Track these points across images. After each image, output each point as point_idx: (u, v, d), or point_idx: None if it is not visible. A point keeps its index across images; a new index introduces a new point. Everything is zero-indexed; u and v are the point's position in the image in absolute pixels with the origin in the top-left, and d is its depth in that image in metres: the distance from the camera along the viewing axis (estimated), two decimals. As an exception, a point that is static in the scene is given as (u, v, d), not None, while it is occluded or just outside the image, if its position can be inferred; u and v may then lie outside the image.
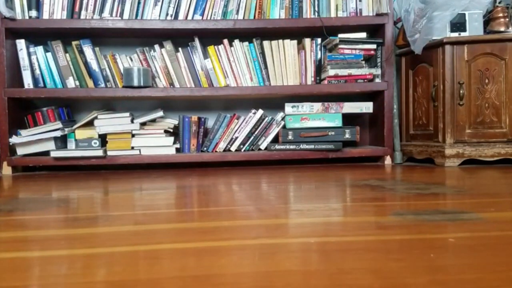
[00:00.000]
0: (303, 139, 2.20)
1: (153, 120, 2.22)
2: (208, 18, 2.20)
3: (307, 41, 2.30)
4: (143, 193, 1.41)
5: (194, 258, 0.69)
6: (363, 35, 2.26)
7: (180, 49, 2.26)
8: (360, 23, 2.21)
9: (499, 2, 2.17)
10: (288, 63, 2.28)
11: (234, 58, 2.26)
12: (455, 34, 2.06)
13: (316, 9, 2.24)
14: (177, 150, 2.23)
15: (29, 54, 2.18)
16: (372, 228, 0.87)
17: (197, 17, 2.20)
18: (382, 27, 2.23)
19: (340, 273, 0.61)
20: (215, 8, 2.21)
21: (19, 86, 2.19)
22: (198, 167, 2.25)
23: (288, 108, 2.23)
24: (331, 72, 2.19)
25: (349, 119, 2.45)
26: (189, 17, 2.20)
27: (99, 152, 2.12)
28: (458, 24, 2.06)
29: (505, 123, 2.01)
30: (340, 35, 2.20)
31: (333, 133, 2.20)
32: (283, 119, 2.27)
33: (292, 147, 2.21)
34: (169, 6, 2.19)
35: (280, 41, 2.27)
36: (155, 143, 2.18)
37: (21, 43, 2.16)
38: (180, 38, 2.33)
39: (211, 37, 2.35)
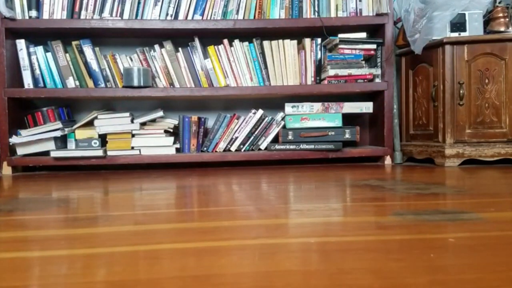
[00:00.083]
0: (303, 139, 2.20)
1: (153, 120, 2.22)
2: (208, 18, 2.20)
3: (307, 41, 2.30)
4: (143, 193, 1.41)
5: (194, 258, 0.69)
6: (363, 35, 2.26)
7: (180, 49, 2.26)
8: (360, 23, 2.21)
9: (499, 2, 2.17)
10: (288, 63, 2.28)
11: (234, 58, 2.26)
12: (455, 34, 2.06)
13: (316, 9, 2.24)
14: (177, 150, 2.23)
15: (29, 54, 2.18)
16: (372, 228, 0.87)
17: (197, 17, 2.20)
18: (382, 27, 2.23)
19: (340, 273, 0.61)
20: (215, 8, 2.21)
21: (19, 86, 2.19)
22: (198, 167, 2.25)
23: (288, 108, 2.23)
24: (331, 72, 2.19)
25: (349, 119, 2.45)
26: (189, 17, 2.20)
27: (99, 152, 2.12)
28: (458, 24, 2.06)
29: (505, 123, 2.01)
30: (340, 35, 2.20)
31: (333, 133, 2.20)
32: (283, 119, 2.27)
33: (292, 147, 2.21)
34: (169, 6, 2.19)
35: (280, 41, 2.27)
36: (155, 143, 2.18)
37: (21, 43, 2.16)
38: (180, 38, 2.33)
39: (211, 37, 2.35)
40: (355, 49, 2.21)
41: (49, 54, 2.19)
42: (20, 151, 2.13)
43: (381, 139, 2.28)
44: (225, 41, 2.25)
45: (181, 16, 2.20)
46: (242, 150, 2.27)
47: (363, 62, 2.23)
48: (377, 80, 2.26)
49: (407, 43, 2.13)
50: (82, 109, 2.44)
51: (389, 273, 0.61)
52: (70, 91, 2.16)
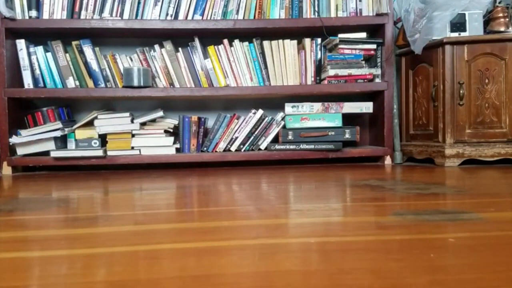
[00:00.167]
0: (303, 139, 2.20)
1: (153, 120, 2.22)
2: (208, 18, 2.20)
3: (307, 41, 2.30)
4: (143, 193, 1.41)
5: (194, 258, 0.69)
6: (363, 35, 2.26)
7: (180, 49, 2.26)
8: (360, 23, 2.21)
9: (499, 2, 2.17)
10: (288, 63, 2.28)
11: (234, 58, 2.26)
12: (455, 34, 2.06)
13: (316, 9, 2.24)
14: (177, 150, 2.23)
15: (29, 54, 2.18)
16: (372, 228, 0.87)
17: (197, 17, 2.20)
18: (382, 27, 2.23)
19: (340, 273, 0.61)
20: (215, 8, 2.21)
21: (19, 86, 2.19)
22: (198, 167, 2.25)
23: (288, 108, 2.23)
24: (331, 72, 2.19)
25: (349, 119, 2.45)
26: (189, 17, 2.20)
27: (99, 152, 2.12)
28: (458, 24, 2.06)
29: (505, 123, 2.01)
30: (340, 35, 2.20)
31: (333, 133, 2.20)
32: (283, 119, 2.27)
33: (292, 147, 2.21)
34: (169, 6, 2.19)
35: (280, 41, 2.27)
36: (155, 143, 2.18)
37: (21, 43, 2.16)
38: (180, 38, 2.33)
39: (211, 37, 2.35)
40: (355, 49, 2.21)
41: (49, 54, 2.19)
42: (20, 151, 2.13)
43: (381, 139, 2.28)
44: (225, 41, 2.25)
45: (181, 16, 2.20)
46: (242, 150, 2.27)
47: (363, 62, 2.23)
48: (377, 80, 2.26)
49: (407, 43, 2.13)
50: (82, 109, 2.44)
51: (389, 273, 0.61)
52: (70, 91, 2.16)
